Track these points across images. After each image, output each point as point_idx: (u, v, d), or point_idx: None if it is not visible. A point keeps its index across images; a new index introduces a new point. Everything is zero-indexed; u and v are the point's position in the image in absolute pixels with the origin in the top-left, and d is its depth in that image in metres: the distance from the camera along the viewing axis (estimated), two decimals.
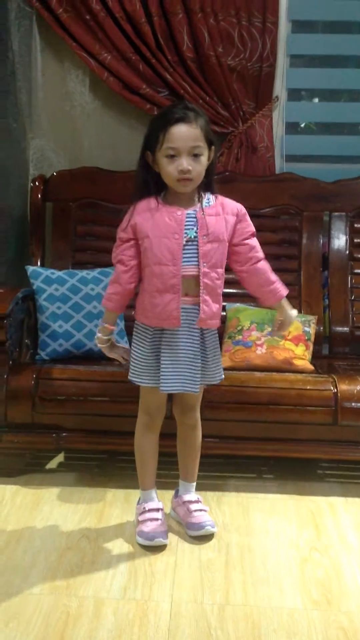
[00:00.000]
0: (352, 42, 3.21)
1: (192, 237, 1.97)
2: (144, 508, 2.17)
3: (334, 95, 3.41)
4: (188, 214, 1.98)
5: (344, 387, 2.41)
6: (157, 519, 2.14)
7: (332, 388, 2.42)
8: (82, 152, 3.21)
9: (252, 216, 3.03)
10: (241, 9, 2.97)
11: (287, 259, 3.05)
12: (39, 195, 3.04)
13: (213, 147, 1.99)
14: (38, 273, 2.76)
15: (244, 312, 2.80)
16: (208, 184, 2.04)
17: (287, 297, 2.96)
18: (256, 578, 1.97)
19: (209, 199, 2.03)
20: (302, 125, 3.45)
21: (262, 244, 3.02)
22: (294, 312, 2.15)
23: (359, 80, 3.25)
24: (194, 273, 1.99)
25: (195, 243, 1.98)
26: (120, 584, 1.92)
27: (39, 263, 3.02)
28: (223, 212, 2.03)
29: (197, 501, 2.23)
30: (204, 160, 1.95)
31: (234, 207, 2.06)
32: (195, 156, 1.92)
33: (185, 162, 1.91)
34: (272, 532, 2.22)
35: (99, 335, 2.10)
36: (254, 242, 2.09)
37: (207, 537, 2.17)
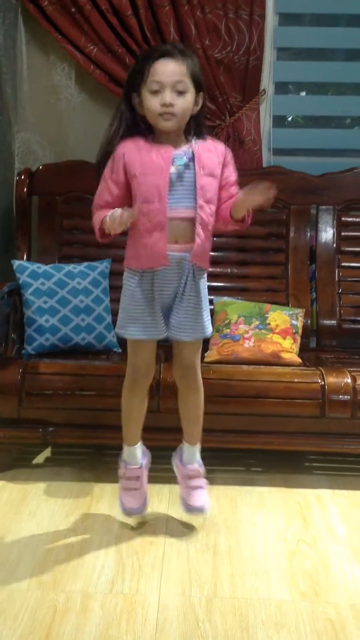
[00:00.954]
0: (339, 35, 3.21)
1: (182, 164, 1.94)
2: (124, 473, 2.18)
3: (321, 89, 3.41)
4: (176, 154, 1.95)
5: (331, 379, 2.41)
6: (135, 489, 2.16)
7: (319, 381, 2.42)
8: (68, 146, 3.19)
9: None
10: (228, 1, 2.96)
11: (274, 252, 3.05)
12: (25, 189, 3.02)
13: (202, 93, 1.97)
14: (24, 267, 2.75)
15: (231, 306, 2.79)
16: (199, 131, 2.02)
17: (275, 290, 3.00)
18: (244, 570, 1.96)
19: (197, 141, 2.01)
20: (290, 118, 3.44)
21: (249, 237, 3.05)
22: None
23: (346, 74, 3.26)
24: (186, 215, 1.96)
25: (189, 180, 1.95)
26: (108, 578, 1.91)
27: (24, 257, 3.00)
28: (215, 150, 2.02)
29: (196, 475, 2.20)
30: (189, 97, 1.92)
31: (222, 149, 2.05)
32: (180, 92, 1.90)
33: (168, 96, 1.88)
34: (260, 524, 2.22)
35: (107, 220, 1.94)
36: (234, 190, 2.05)
37: (194, 526, 2.18)
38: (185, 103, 1.91)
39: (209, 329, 2.11)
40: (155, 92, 1.89)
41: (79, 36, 2.98)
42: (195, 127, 2.01)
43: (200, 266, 2.04)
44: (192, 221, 1.97)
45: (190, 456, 2.22)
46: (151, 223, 1.95)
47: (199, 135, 2.02)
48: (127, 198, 2.00)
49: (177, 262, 1.99)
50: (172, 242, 1.97)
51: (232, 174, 2.06)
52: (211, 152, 2.00)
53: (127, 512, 2.17)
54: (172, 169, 1.94)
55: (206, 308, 2.10)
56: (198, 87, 1.95)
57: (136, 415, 2.16)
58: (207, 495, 2.19)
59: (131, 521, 2.20)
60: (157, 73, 1.88)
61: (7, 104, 3.06)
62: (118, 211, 1.89)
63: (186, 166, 1.96)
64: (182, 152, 1.97)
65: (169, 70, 1.88)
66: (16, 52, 3.09)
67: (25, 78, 3.13)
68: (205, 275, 2.10)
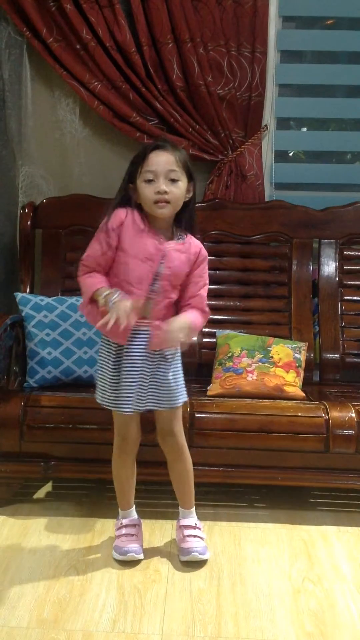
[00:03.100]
0: (339, 72, 3.25)
1: (160, 271, 2.03)
2: (121, 524, 2.22)
3: (322, 124, 3.44)
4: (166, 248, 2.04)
5: (335, 414, 2.40)
6: (131, 535, 2.19)
7: (323, 415, 2.40)
8: (71, 180, 3.21)
9: (242, 243, 3.08)
10: (230, 38, 3.00)
11: (277, 286, 3.05)
12: (29, 222, 3.04)
13: (192, 182, 2.06)
14: (27, 300, 2.75)
15: (234, 339, 2.79)
16: (189, 224, 2.11)
17: (278, 323, 2.99)
18: (248, 609, 1.93)
19: (181, 236, 2.08)
20: (291, 153, 3.47)
21: (252, 270, 3.05)
22: (177, 325, 2.02)
23: (347, 109, 3.30)
24: (150, 297, 2.04)
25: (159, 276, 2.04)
26: (110, 617, 1.88)
27: (28, 289, 3.01)
28: (187, 251, 2.08)
29: (193, 527, 2.21)
30: (182, 185, 2.01)
31: (197, 248, 2.11)
32: (173, 181, 1.99)
33: (162, 184, 1.97)
34: (264, 562, 2.19)
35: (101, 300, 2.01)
36: (202, 292, 2.12)
37: (197, 564, 2.13)
38: (179, 191, 2.01)
39: (182, 397, 2.13)
40: (150, 181, 1.99)
41: (83, 72, 3.01)
42: (188, 219, 2.09)
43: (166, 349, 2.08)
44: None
45: (186, 517, 2.25)
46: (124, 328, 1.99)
47: (188, 228, 2.10)
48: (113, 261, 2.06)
49: (141, 335, 2.05)
50: (140, 317, 2.03)
51: (201, 276, 2.11)
52: (183, 253, 2.06)
53: (126, 552, 2.15)
54: (160, 268, 2.03)
55: (179, 375, 2.13)
56: (189, 176, 2.04)
57: (127, 483, 2.22)
58: (203, 543, 2.18)
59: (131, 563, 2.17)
60: (151, 164, 1.99)
61: (11, 139, 3.09)
62: (124, 303, 1.94)
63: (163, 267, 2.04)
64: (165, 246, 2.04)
65: (162, 161, 1.99)
66: (21, 87, 3.12)
67: (30, 113, 3.16)
68: (178, 352, 2.13)
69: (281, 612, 1.92)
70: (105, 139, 3.19)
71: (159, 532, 2.33)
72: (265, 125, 3.18)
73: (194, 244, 2.10)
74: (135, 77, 3.01)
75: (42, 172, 3.21)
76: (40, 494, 2.62)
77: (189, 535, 2.18)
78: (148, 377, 2.07)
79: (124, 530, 2.20)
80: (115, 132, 3.13)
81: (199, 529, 2.22)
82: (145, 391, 2.08)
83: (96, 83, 3.02)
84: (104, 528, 2.35)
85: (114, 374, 2.07)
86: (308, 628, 1.85)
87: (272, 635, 1.81)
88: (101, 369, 2.12)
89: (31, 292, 3.01)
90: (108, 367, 2.08)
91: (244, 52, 3.03)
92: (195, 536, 2.18)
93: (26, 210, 3.05)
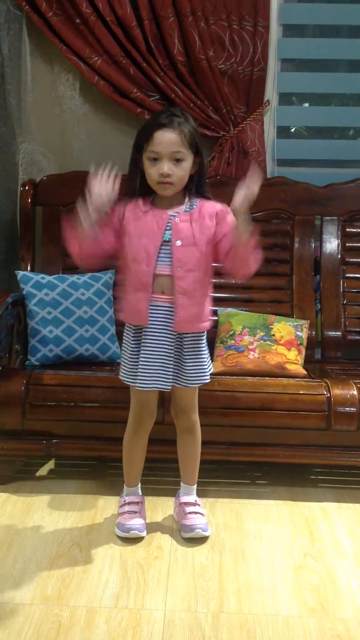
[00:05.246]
0: (342, 46, 3.21)
1: (167, 239, 2.01)
2: (125, 501, 2.23)
3: (325, 100, 3.41)
4: (171, 215, 2.02)
5: (337, 391, 2.40)
6: (135, 512, 2.20)
7: (325, 392, 2.40)
8: (72, 157, 3.18)
9: None
10: (232, 12, 2.96)
11: (278, 263, 3.03)
12: (29, 200, 3.01)
13: (201, 154, 2.03)
14: (28, 278, 2.74)
15: (235, 317, 2.78)
16: (199, 190, 2.07)
17: (279, 301, 2.98)
18: (250, 585, 1.94)
19: (192, 204, 2.05)
20: (293, 129, 3.44)
21: None
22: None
23: (349, 84, 3.26)
24: (169, 273, 2.02)
25: (169, 245, 2.02)
26: (113, 593, 1.89)
27: (28, 268, 2.99)
28: (199, 218, 2.03)
29: (194, 504, 2.22)
30: (186, 165, 1.99)
31: (213, 210, 2.05)
32: (177, 161, 1.97)
33: (165, 166, 1.96)
34: (266, 538, 2.20)
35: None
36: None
37: (200, 540, 2.15)
38: (183, 171, 1.99)
39: (205, 377, 2.13)
40: (154, 160, 1.97)
41: (83, 47, 2.97)
42: (197, 187, 2.06)
43: (190, 332, 2.07)
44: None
45: (187, 492, 2.26)
46: (138, 282, 2.02)
47: (200, 194, 2.06)
48: (108, 237, 2.04)
49: (163, 311, 2.03)
50: (158, 292, 2.03)
51: (227, 226, 2.04)
52: (195, 220, 2.03)
53: (128, 529, 2.16)
54: (164, 235, 2.01)
55: (204, 354, 2.12)
56: (196, 150, 2.01)
57: (137, 461, 2.23)
58: (204, 520, 2.19)
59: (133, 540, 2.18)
60: (155, 144, 1.96)
61: (11, 115, 3.05)
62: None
63: (170, 236, 2.02)
64: (172, 218, 2.01)
65: (166, 141, 1.95)
66: (20, 63, 3.08)
67: (29, 89, 3.12)
68: (201, 334, 2.11)
69: (283, 588, 1.93)
70: (105, 115, 3.15)
71: (160, 509, 2.34)
72: (267, 101, 3.14)
73: (206, 207, 2.05)
74: (135, 51, 2.97)
75: (42, 149, 3.17)
76: (43, 471, 2.63)
77: (190, 512, 2.20)
78: (171, 355, 2.05)
79: (126, 508, 2.21)
80: (115, 107, 3.10)
81: (199, 505, 2.24)
82: (168, 369, 2.05)
83: (96, 58, 2.98)
84: (106, 505, 2.37)
85: (134, 350, 2.07)
86: (310, 603, 1.87)
87: (274, 610, 1.83)
88: (123, 349, 2.12)
89: (32, 270, 2.99)
90: (128, 346, 2.09)
91: (245, 26, 2.99)
92: (197, 513, 2.20)
93: (26, 188, 3.03)
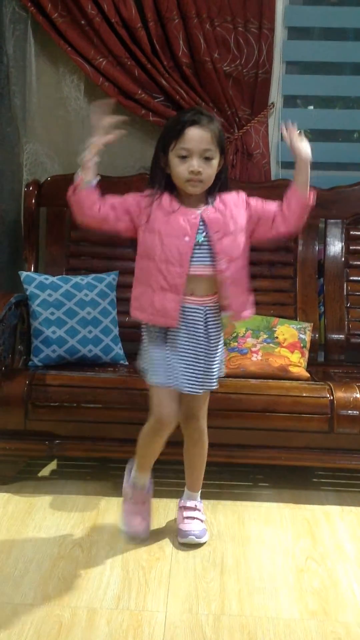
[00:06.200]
0: (347, 49, 3.21)
1: (200, 241, 1.98)
2: (133, 495, 2.18)
3: (329, 103, 3.40)
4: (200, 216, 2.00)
5: (340, 394, 2.39)
6: (141, 513, 2.17)
7: (328, 395, 2.40)
8: (76, 158, 3.15)
9: None
10: (237, 14, 2.96)
11: (282, 266, 3.03)
12: (33, 200, 3.02)
13: (224, 155, 2.01)
14: (31, 278, 2.74)
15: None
16: (223, 188, 2.06)
17: (283, 304, 2.97)
18: (252, 588, 1.94)
19: (211, 201, 2.03)
20: (298, 132, 3.43)
21: (257, 250, 3.00)
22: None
23: (354, 88, 3.26)
24: (204, 273, 1.98)
25: (206, 244, 1.98)
26: (114, 594, 1.89)
27: (32, 268, 3.00)
28: (226, 208, 2.01)
29: (193, 508, 2.21)
30: (215, 164, 1.97)
31: (235, 198, 2.05)
32: (207, 159, 1.94)
33: (196, 163, 1.92)
34: (267, 541, 2.20)
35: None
36: (268, 205, 2.08)
37: (196, 546, 2.14)
38: (212, 170, 1.96)
39: (215, 382, 2.10)
40: (183, 158, 1.94)
41: (88, 48, 2.98)
42: (221, 186, 2.05)
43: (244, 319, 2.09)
44: (210, 278, 2.00)
45: (190, 498, 2.24)
46: (167, 284, 1.97)
47: (223, 190, 2.05)
48: (118, 221, 2.01)
49: (191, 313, 2.01)
50: (188, 294, 1.99)
51: (257, 203, 2.06)
52: (222, 211, 2.01)
53: (133, 534, 2.15)
54: (197, 237, 1.98)
55: (219, 358, 2.10)
56: (222, 150, 1.99)
57: (154, 452, 2.14)
58: (201, 526, 2.18)
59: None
60: (185, 140, 1.93)
61: (16, 116, 3.06)
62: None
63: (204, 237, 1.99)
64: (201, 223, 1.99)
65: (198, 138, 1.93)
66: (25, 64, 3.08)
67: (34, 90, 3.12)
68: (220, 328, 2.09)
69: (284, 591, 1.93)
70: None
71: (163, 510, 2.34)
72: (272, 103, 3.14)
73: (225, 197, 2.03)
74: (140, 53, 2.97)
75: (47, 150, 3.18)
76: (45, 472, 2.63)
77: (187, 517, 2.19)
78: (202, 358, 2.03)
79: (131, 506, 2.18)
80: (120, 109, 3.09)
81: (199, 510, 2.22)
82: (200, 372, 2.03)
83: (101, 59, 2.98)
84: (108, 506, 2.36)
85: (156, 351, 2.03)
86: (311, 606, 1.86)
87: (275, 613, 1.83)
88: (145, 347, 2.08)
89: (35, 270, 2.99)
90: (150, 345, 2.04)
91: (250, 28, 2.99)
92: (194, 518, 2.19)
93: (30, 189, 3.03)
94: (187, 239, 1.96)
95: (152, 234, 1.98)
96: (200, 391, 2.05)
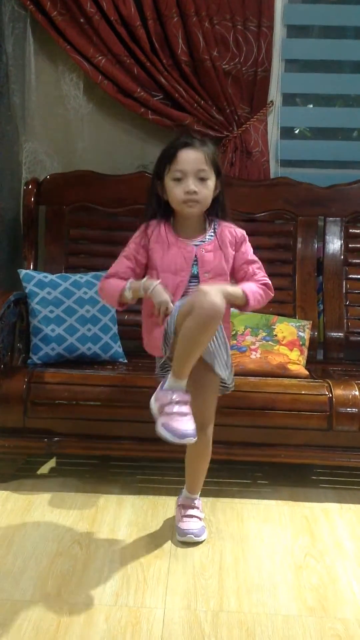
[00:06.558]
0: (346, 47, 3.22)
1: (196, 273, 2.03)
2: (172, 398, 1.94)
3: (329, 101, 3.41)
4: (195, 245, 2.04)
5: (339, 392, 2.39)
6: (187, 414, 1.93)
7: (327, 393, 2.40)
8: (75, 156, 3.19)
9: (247, 220, 3.04)
10: (236, 13, 2.96)
11: (281, 264, 3.03)
12: (32, 199, 3.02)
13: (222, 177, 2.05)
14: (30, 276, 2.74)
15: (238, 317, 2.77)
16: (222, 215, 2.10)
17: (282, 302, 2.97)
18: (250, 584, 1.94)
19: (214, 229, 2.07)
20: (297, 130, 3.44)
21: (256, 248, 3.00)
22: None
23: (354, 86, 3.26)
24: None
25: (197, 279, 2.04)
26: (113, 591, 1.89)
27: (31, 266, 3.00)
28: (222, 246, 2.06)
29: (192, 506, 2.21)
30: (211, 184, 2.00)
31: (232, 237, 2.09)
32: (202, 179, 1.98)
33: (191, 184, 1.96)
34: (266, 538, 2.20)
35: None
36: (249, 268, 2.11)
37: (195, 544, 2.14)
38: (207, 191, 2.00)
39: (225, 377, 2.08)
40: (178, 180, 1.98)
41: (87, 46, 2.98)
42: (220, 210, 2.08)
43: None
44: None
45: (188, 498, 2.23)
46: (166, 316, 1.99)
47: (222, 217, 2.09)
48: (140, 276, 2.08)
49: None
50: None
51: (245, 253, 2.11)
52: (218, 250, 2.05)
53: (183, 435, 1.89)
54: (192, 270, 2.03)
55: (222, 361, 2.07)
56: (217, 172, 2.02)
57: (201, 349, 1.95)
58: (200, 524, 2.17)
59: (136, 533, 2.18)
60: (179, 162, 1.97)
61: (15, 114, 3.06)
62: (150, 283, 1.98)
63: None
64: (196, 248, 2.03)
65: (192, 159, 1.97)
66: (25, 62, 3.09)
67: (33, 88, 3.13)
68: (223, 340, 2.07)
69: (283, 588, 1.93)
70: (109, 115, 3.16)
71: (162, 508, 2.34)
72: (271, 101, 3.14)
73: (225, 233, 2.08)
74: (140, 51, 2.98)
75: (46, 148, 3.18)
76: (44, 469, 2.63)
77: (186, 516, 2.18)
78: None
79: (175, 408, 1.93)
80: (119, 107, 3.10)
81: (198, 508, 2.22)
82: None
83: (100, 57, 2.98)
84: (107, 504, 2.36)
85: None
86: (310, 603, 1.86)
87: (274, 610, 1.83)
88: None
89: (35, 268, 3.00)
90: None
91: (250, 26, 2.99)
92: (192, 516, 2.18)
93: (30, 187, 3.03)
94: (183, 274, 2.02)
95: (151, 271, 2.05)
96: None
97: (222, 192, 2.08)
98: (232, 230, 2.10)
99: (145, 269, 2.09)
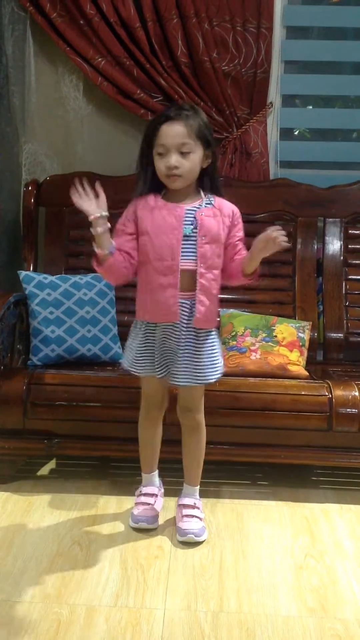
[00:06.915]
0: (346, 49, 3.22)
1: (188, 234, 2.00)
2: (140, 491, 2.26)
3: (328, 102, 3.41)
4: (187, 210, 2.01)
5: (338, 392, 2.39)
6: (147, 504, 2.22)
7: (326, 394, 2.40)
8: (75, 157, 3.19)
9: (247, 221, 3.01)
10: (236, 14, 2.97)
11: (281, 265, 3.03)
12: (32, 200, 3.02)
13: (213, 147, 2.02)
14: (30, 278, 2.74)
15: (238, 318, 2.78)
16: (213, 186, 2.07)
17: (282, 303, 2.98)
18: (250, 585, 1.94)
19: (210, 199, 2.05)
20: (296, 131, 3.44)
21: None
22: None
23: (353, 87, 3.27)
24: (190, 267, 2.01)
25: (192, 241, 2.01)
26: (113, 591, 1.89)
27: (31, 268, 3.00)
28: (221, 214, 2.05)
29: (192, 506, 2.21)
30: (195, 157, 1.97)
31: (230, 209, 2.08)
32: (184, 154, 1.96)
33: (172, 159, 1.95)
34: (266, 538, 2.20)
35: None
36: (242, 246, 2.10)
37: (196, 543, 2.14)
38: (191, 164, 1.98)
39: (212, 376, 2.10)
40: (161, 155, 1.97)
41: (87, 48, 2.98)
42: (211, 182, 2.07)
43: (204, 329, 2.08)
44: (195, 273, 2.02)
45: (188, 493, 2.25)
46: (166, 279, 2.00)
47: (214, 191, 2.07)
48: (135, 250, 2.05)
49: (182, 307, 2.03)
50: (181, 290, 2.02)
51: (238, 233, 2.10)
52: (217, 216, 2.04)
53: (138, 520, 2.20)
54: (184, 230, 2.00)
55: (215, 352, 2.10)
56: (206, 143, 2.00)
57: (151, 445, 2.24)
58: (200, 524, 2.18)
59: (135, 534, 2.19)
60: (161, 137, 1.96)
61: (15, 116, 3.06)
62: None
63: (192, 231, 2.01)
64: (190, 217, 2.01)
65: (172, 134, 1.95)
66: (24, 64, 3.09)
67: (33, 90, 3.13)
68: (213, 331, 2.12)
69: (283, 588, 1.93)
70: (109, 116, 3.16)
71: (162, 509, 2.33)
72: (271, 103, 3.15)
73: (224, 206, 2.07)
74: (139, 53, 2.98)
75: (46, 150, 3.18)
76: (44, 471, 2.63)
77: (186, 516, 2.19)
78: (178, 348, 2.04)
79: (142, 499, 2.24)
80: (119, 108, 3.10)
81: (198, 508, 2.22)
82: (167, 361, 2.06)
83: (100, 59, 2.99)
84: (107, 505, 2.36)
85: (145, 345, 2.07)
86: (310, 603, 1.86)
87: (274, 610, 1.83)
88: (132, 342, 2.12)
89: (34, 270, 3.00)
90: (139, 340, 2.09)
91: (249, 27, 2.99)
92: (193, 516, 2.19)
93: (29, 188, 3.04)
94: (175, 232, 1.99)
95: (143, 237, 2.02)
96: (184, 384, 2.06)
97: (213, 163, 2.05)
98: (230, 205, 2.09)
99: (136, 240, 2.05)
